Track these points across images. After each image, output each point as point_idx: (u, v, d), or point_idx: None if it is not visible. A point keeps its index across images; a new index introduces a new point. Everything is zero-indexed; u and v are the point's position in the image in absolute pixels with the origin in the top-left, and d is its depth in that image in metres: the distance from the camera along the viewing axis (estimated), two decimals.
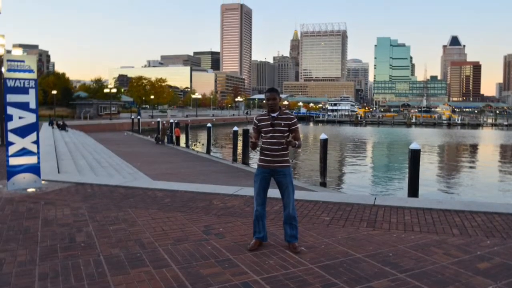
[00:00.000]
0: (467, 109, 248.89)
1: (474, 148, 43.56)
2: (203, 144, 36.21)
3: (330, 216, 6.95)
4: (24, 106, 9.02)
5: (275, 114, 5.25)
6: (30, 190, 9.06)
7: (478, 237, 5.83)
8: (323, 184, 16.12)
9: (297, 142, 5.15)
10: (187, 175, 15.02)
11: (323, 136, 16.75)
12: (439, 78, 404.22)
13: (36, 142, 9.27)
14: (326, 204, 7.84)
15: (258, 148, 5.42)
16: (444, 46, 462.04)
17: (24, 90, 9.00)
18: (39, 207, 7.53)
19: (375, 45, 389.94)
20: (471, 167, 27.83)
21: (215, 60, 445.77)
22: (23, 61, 9.03)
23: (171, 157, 21.69)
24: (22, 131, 9.04)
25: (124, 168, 16.41)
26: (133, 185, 9.84)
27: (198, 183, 11.59)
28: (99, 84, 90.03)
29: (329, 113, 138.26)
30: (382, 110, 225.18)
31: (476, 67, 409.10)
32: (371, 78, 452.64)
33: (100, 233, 5.94)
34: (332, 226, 6.42)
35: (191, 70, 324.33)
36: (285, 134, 5.21)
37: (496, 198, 16.87)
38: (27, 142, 9.11)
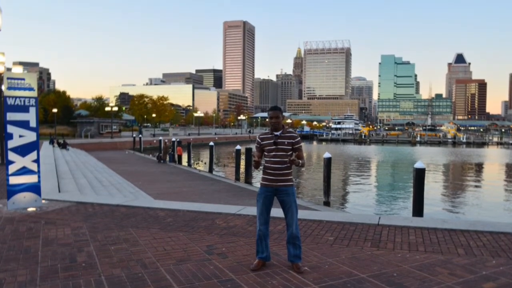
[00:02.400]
0: (472, 128, 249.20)
1: (479, 167, 43.31)
2: (205, 163, 36.16)
3: (334, 236, 6.88)
4: (24, 124, 8.99)
5: (278, 133, 5.23)
6: (30, 209, 9.01)
7: (483, 257, 5.75)
8: (327, 203, 16.02)
9: (300, 161, 5.14)
10: (189, 194, 14.96)
11: (326, 154, 16.72)
12: (444, 96, 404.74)
13: (37, 161, 9.23)
14: (330, 223, 7.77)
15: (261, 167, 5.38)
16: (449, 64, 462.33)
17: (24, 108, 8.97)
18: (40, 227, 7.48)
19: (379, 63, 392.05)
20: (476, 186, 27.64)
21: (218, 78, 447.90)
22: (23, 79, 9.00)
23: (173, 176, 21.64)
24: (23, 150, 8.99)
25: (126, 187, 16.36)
26: (135, 205, 9.78)
27: (200, 202, 11.54)
28: (100, 102, 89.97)
29: (333, 131, 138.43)
30: (386, 128, 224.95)
31: (482, 85, 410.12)
32: (375, 96, 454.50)
33: (101, 253, 5.88)
34: (336, 245, 6.35)
35: (193, 88, 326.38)
36: (289, 153, 5.19)
37: (501, 217, 16.73)
38: (27, 161, 9.07)
